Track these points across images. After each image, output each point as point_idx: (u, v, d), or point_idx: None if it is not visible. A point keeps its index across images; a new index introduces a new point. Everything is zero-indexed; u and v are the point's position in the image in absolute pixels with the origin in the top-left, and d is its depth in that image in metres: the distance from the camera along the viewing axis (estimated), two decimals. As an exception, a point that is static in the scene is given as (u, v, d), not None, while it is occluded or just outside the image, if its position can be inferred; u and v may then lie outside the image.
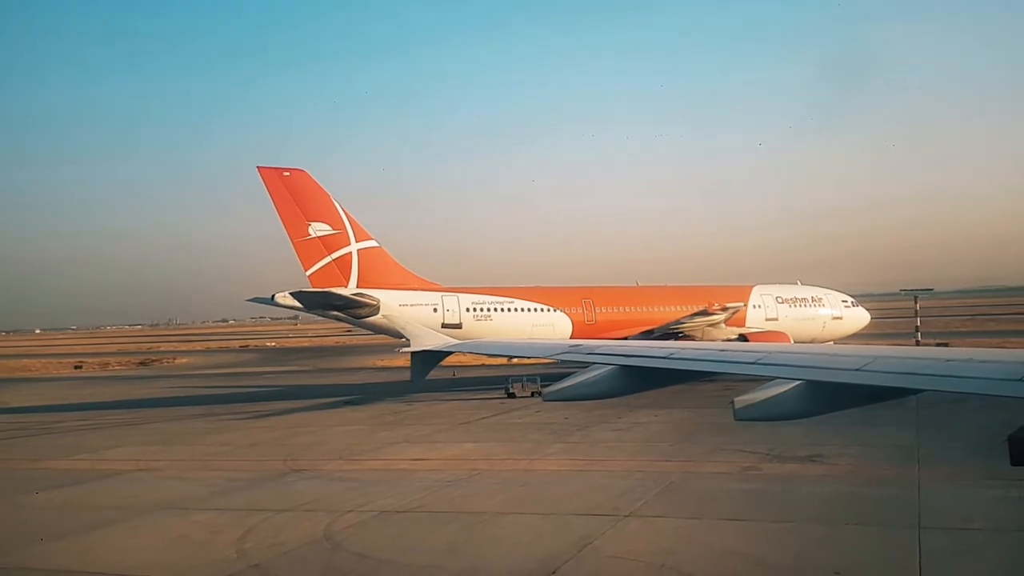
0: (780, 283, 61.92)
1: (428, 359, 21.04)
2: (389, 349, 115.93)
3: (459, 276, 56.34)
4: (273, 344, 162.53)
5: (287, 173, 50.56)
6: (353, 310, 50.30)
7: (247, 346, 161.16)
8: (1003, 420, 9.57)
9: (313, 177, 51.20)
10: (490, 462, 29.43)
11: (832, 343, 58.49)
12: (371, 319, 50.80)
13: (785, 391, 10.69)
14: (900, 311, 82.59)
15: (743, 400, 11.14)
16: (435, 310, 51.52)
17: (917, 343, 66.16)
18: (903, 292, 73.67)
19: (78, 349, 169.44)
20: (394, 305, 50.21)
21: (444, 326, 50.82)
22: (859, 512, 20.48)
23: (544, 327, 52.96)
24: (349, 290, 50.15)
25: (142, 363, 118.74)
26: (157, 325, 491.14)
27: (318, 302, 49.71)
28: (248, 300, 57.37)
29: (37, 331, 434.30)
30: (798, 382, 10.55)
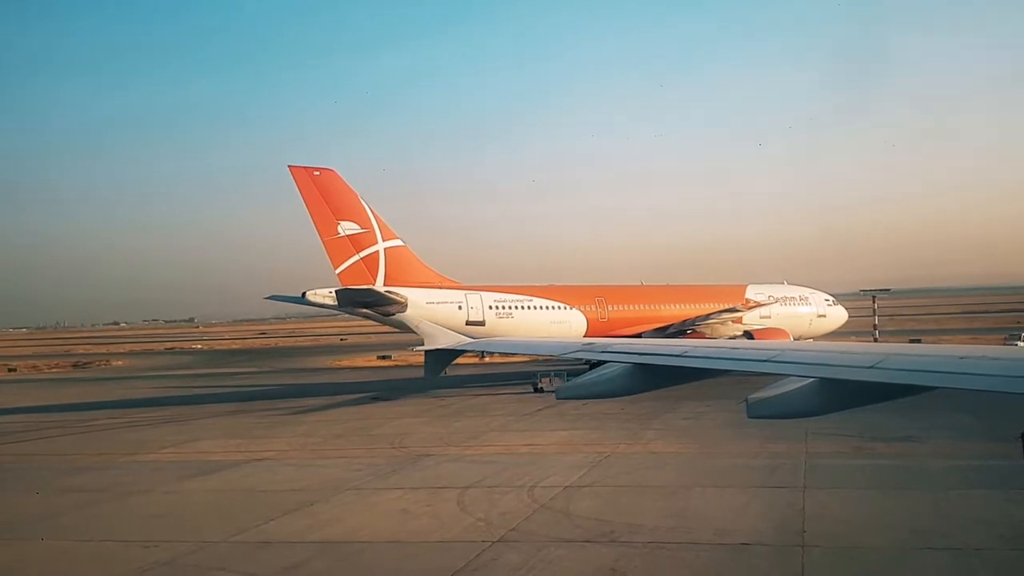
0: (769, 283, 66.10)
1: (441, 357, 21.53)
2: (331, 351, 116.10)
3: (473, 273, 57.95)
4: (201, 347, 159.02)
5: (317, 172, 51.31)
6: (383, 307, 51.42)
7: (173, 348, 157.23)
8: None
9: (341, 176, 52.12)
10: (605, 447, 31.51)
11: (811, 340, 62.95)
12: (398, 316, 51.95)
13: (797, 388, 10.73)
14: (862, 310, 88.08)
15: (756, 397, 11.23)
16: (459, 308, 53.10)
17: (875, 340, 71.01)
18: (862, 292, 79.33)
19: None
20: (421, 303, 51.62)
21: (468, 323, 52.59)
22: (1013, 480, 22.84)
23: (561, 324, 55.26)
24: (379, 288, 51.23)
25: (76, 365, 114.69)
26: (44, 328, 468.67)
27: (353, 299, 50.56)
28: (267, 298, 57.80)
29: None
30: (810, 380, 10.52)
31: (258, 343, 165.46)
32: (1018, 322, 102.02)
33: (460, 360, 65.22)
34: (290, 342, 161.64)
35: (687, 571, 17.09)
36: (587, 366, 56.05)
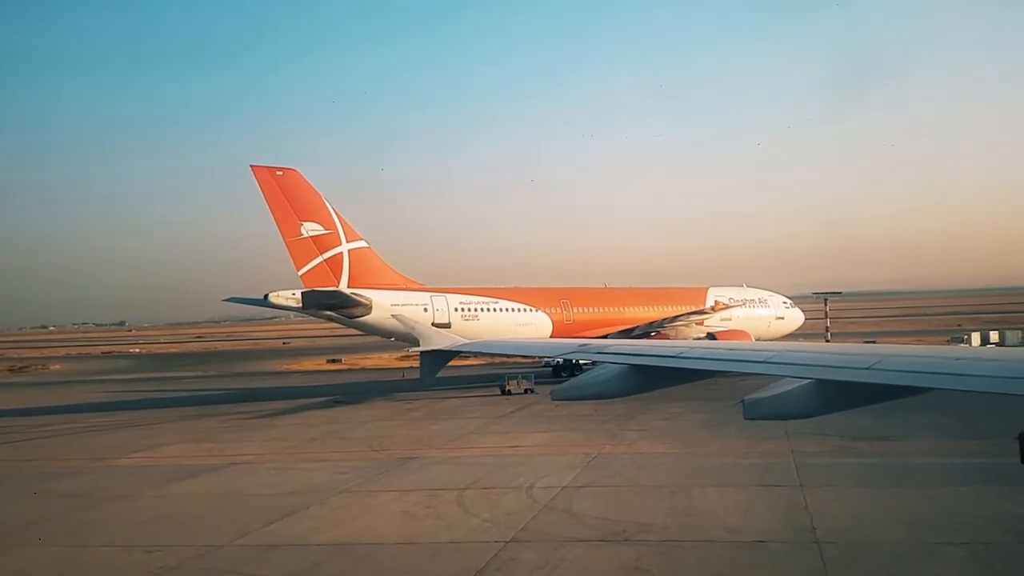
0: (730, 285, 67.18)
1: (438, 359, 21.35)
2: (276, 355, 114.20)
3: (437, 274, 57.84)
4: (138, 350, 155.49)
5: (280, 172, 50.46)
6: (348, 309, 50.84)
7: (110, 352, 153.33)
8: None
9: (305, 177, 51.36)
10: (590, 448, 31.49)
11: (771, 341, 64.07)
12: (363, 319, 51.46)
13: (793, 390, 10.65)
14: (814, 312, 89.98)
15: (752, 399, 11.14)
16: (425, 310, 52.72)
17: (827, 341, 72.50)
18: (815, 295, 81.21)
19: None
20: (387, 305, 51.08)
21: (434, 325, 52.19)
22: (1001, 477, 23.29)
23: (527, 326, 55.34)
24: (345, 290, 50.61)
25: (12, 369, 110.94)
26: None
27: (319, 301, 49.87)
28: (225, 300, 56.81)
29: None
30: (805, 381, 10.45)
31: (197, 347, 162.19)
32: (959, 324, 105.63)
33: (410, 363, 65.57)
34: (230, 346, 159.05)
35: (710, 568, 17.24)
36: (550, 369, 56.60)
